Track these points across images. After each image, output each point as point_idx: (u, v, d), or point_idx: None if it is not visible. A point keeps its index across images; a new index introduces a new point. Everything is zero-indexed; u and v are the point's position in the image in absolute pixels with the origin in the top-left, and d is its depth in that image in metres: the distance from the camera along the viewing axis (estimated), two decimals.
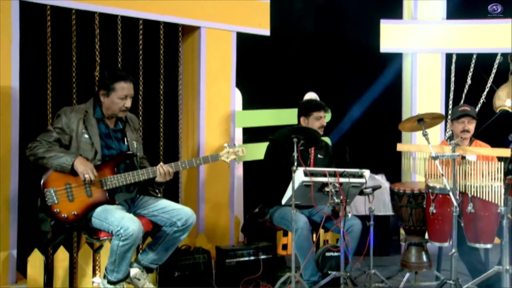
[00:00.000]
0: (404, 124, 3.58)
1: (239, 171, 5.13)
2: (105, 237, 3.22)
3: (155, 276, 3.94)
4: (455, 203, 3.28)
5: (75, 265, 3.78)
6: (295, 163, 3.41)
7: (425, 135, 3.41)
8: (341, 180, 3.46)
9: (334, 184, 3.45)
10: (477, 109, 5.49)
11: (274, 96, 5.41)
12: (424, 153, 3.69)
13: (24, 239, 3.52)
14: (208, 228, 4.45)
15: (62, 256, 3.60)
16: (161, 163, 3.33)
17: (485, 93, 5.46)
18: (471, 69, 5.45)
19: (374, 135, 5.77)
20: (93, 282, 3.79)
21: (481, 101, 5.50)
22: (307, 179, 3.41)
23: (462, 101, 5.48)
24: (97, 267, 3.92)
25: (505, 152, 3.45)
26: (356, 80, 5.88)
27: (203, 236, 4.33)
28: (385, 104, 5.73)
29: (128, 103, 3.29)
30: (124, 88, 3.26)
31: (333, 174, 3.46)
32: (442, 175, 3.29)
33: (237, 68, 4.74)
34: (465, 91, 5.48)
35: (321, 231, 4.68)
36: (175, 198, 4.47)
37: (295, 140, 3.49)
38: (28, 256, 3.49)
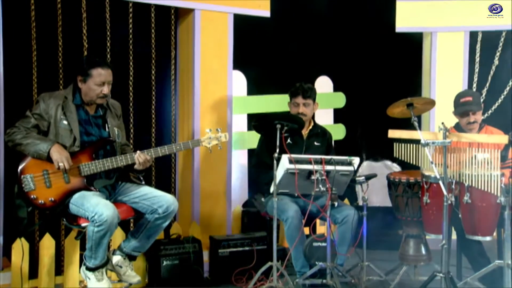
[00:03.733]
0: (393, 109, 3.63)
1: (242, 159, 5.29)
2: (85, 224, 3.45)
3: (144, 265, 4.18)
4: (445, 193, 3.32)
5: (62, 252, 4.05)
6: (277, 150, 3.53)
7: (414, 121, 3.45)
8: (328, 167, 3.57)
9: (320, 172, 3.55)
10: (505, 92, 5.44)
11: (282, 81, 5.49)
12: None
13: (11, 225, 3.80)
14: (204, 218, 4.63)
15: (47, 243, 3.87)
16: (138, 152, 3.51)
17: None
18: (499, 49, 5.39)
19: (391, 121, 5.79)
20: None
21: (510, 83, 5.44)
22: (292, 166, 3.54)
23: (487, 84, 5.44)
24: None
25: (502, 139, 3.45)
26: (372, 62, 5.89)
27: (196, 225, 4.52)
28: (403, 87, 5.71)
29: (106, 89, 3.49)
30: (101, 75, 3.47)
31: (319, 162, 3.57)
32: (432, 162, 3.34)
33: (242, 52, 4.85)
34: (492, 73, 5.42)
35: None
36: (168, 187, 4.68)
37: (278, 126, 3.61)
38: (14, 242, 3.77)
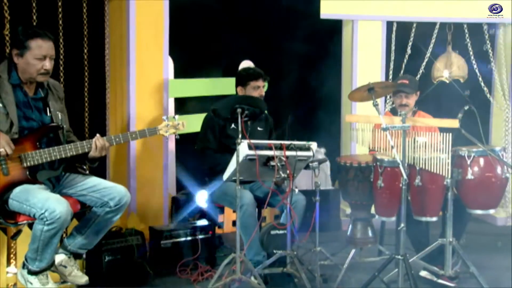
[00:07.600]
0: (353, 94, 3.57)
1: (171, 145, 4.97)
2: (25, 221, 2.99)
3: (82, 262, 3.74)
4: (405, 176, 3.33)
5: None
6: (240, 135, 3.30)
7: (375, 105, 3.41)
8: (288, 153, 3.41)
9: (280, 158, 3.39)
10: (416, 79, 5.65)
11: (209, 64, 5.27)
12: (368, 124, 3.72)
13: None
14: (140, 208, 4.30)
15: None
16: (98, 136, 3.13)
17: (424, 63, 5.62)
18: (411, 39, 5.57)
19: (311, 107, 5.79)
20: (7, 273, 3.52)
21: (420, 71, 5.66)
22: (251, 152, 3.33)
23: (401, 72, 5.60)
24: (11, 255, 3.64)
25: (453, 123, 3.54)
26: (294, 48, 5.82)
27: (135, 216, 4.17)
28: (323, 74, 5.73)
29: (48, 64, 3.01)
30: (41, 47, 2.98)
31: (279, 147, 3.40)
32: (393, 147, 3.32)
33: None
34: (405, 61, 5.60)
35: None
36: (102, 176, 4.22)
37: (239, 110, 3.38)
38: None
